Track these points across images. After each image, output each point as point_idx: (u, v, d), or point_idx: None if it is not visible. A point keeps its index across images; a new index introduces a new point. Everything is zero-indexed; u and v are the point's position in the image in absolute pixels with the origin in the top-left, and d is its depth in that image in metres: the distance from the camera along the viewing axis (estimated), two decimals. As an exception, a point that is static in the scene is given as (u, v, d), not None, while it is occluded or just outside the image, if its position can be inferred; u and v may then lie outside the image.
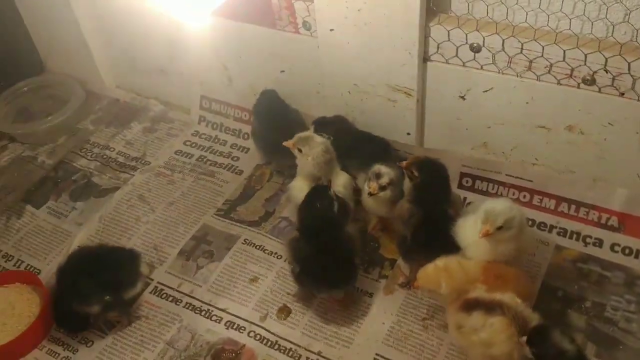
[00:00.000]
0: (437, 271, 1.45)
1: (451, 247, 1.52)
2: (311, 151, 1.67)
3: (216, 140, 2.24)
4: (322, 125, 1.85)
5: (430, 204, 1.58)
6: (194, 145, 2.23)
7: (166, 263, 1.83)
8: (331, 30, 1.74)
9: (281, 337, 1.62)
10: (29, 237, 1.96)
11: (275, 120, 1.94)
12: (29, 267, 1.87)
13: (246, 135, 2.19)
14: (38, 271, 1.85)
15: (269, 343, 1.61)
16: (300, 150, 1.69)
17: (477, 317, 1.35)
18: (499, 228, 1.43)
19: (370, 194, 1.65)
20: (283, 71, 2.00)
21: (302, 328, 1.63)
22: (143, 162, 2.19)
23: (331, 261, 1.54)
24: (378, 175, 1.65)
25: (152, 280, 1.78)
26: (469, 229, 1.51)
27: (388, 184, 1.65)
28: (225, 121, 2.26)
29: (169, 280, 1.79)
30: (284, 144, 1.70)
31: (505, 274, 1.46)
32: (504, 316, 1.32)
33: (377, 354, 1.55)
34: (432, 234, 1.57)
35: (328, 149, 1.69)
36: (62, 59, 2.49)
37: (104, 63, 2.41)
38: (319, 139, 1.70)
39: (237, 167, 2.12)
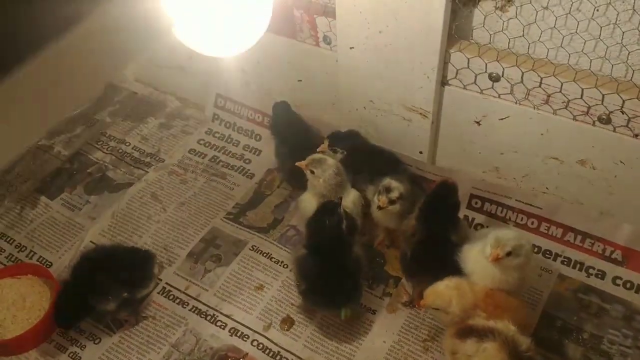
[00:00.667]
0: (448, 289, 1.47)
1: (449, 271, 1.54)
2: (323, 174, 1.70)
3: (229, 140, 2.26)
4: (337, 139, 1.86)
5: (434, 226, 1.60)
6: (207, 144, 2.25)
7: (175, 264, 1.87)
8: (351, 48, 1.75)
9: (283, 348, 1.66)
10: (42, 228, 2.00)
11: (301, 145, 1.93)
12: (41, 259, 1.91)
13: (258, 137, 2.21)
14: (50, 264, 1.89)
15: (272, 353, 1.65)
16: (312, 172, 1.71)
17: (470, 344, 1.38)
18: (508, 254, 1.45)
19: (380, 208, 1.68)
20: (300, 80, 2.01)
21: (304, 340, 1.67)
22: (157, 158, 2.22)
23: (337, 281, 1.56)
24: (388, 189, 1.67)
25: (161, 280, 1.82)
26: (476, 255, 1.53)
27: (398, 197, 1.67)
28: (238, 121, 2.28)
29: (177, 281, 1.82)
30: (297, 164, 1.72)
31: (506, 303, 1.49)
32: (494, 342, 1.36)
33: (375, 373, 1.59)
34: (430, 255, 1.60)
35: (339, 171, 1.71)
36: (82, 49, 2.50)
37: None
38: (331, 161, 1.72)
39: (248, 170, 2.15)
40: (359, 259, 1.63)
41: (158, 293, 1.80)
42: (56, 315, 1.64)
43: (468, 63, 1.63)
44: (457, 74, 1.67)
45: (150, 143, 2.29)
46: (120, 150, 2.26)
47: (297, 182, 1.98)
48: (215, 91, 2.29)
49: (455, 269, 1.54)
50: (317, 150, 1.82)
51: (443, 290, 1.48)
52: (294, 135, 1.99)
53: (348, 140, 1.87)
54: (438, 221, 1.59)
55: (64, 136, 2.31)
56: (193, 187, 2.10)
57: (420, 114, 1.78)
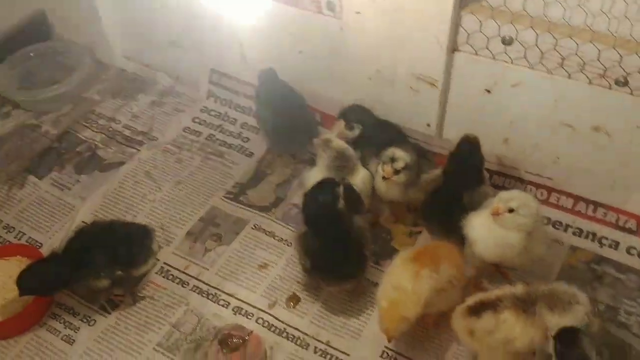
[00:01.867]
0: (390, 311, 1.38)
1: (449, 225, 1.55)
2: (324, 154, 1.67)
3: (226, 118, 2.18)
4: (349, 116, 1.80)
5: (454, 180, 1.59)
6: (202, 122, 2.17)
7: (173, 244, 1.79)
8: (357, 13, 1.69)
9: (289, 325, 1.59)
10: (31, 208, 1.90)
11: (291, 113, 1.92)
12: (31, 239, 1.82)
13: (254, 114, 2.13)
14: (39, 244, 1.80)
15: (277, 331, 1.58)
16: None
17: (487, 319, 1.33)
18: (511, 211, 1.41)
19: (384, 178, 1.62)
20: (301, 52, 1.94)
21: (311, 317, 1.61)
22: (150, 137, 2.14)
23: (340, 255, 1.51)
24: (393, 159, 1.62)
25: (159, 260, 1.74)
26: (481, 221, 1.49)
27: (403, 167, 1.61)
28: (235, 98, 2.20)
29: (175, 261, 1.74)
30: (314, 141, 1.70)
31: (437, 252, 1.46)
32: (511, 308, 1.31)
33: (386, 347, 1.53)
34: (439, 206, 1.61)
35: (342, 156, 1.66)
36: (70, 26, 2.40)
37: (113, 32, 2.32)
38: (336, 144, 1.67)
39: (247, 148, 2.07)
40: (361, 231, 1.57)
41: (156, 273, 1.71)
42: (24, 280, 1.52)
43: (480, 26, 1.57)
44: (468, 38, 1.61)
45: (141, 121, 2.20)
46: (110, 129, 2.17)
47: (281, 148, 1.97)
48: (210, 67, 2.20)
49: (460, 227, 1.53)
50: (334, 132, 1.78)
51: (388, 318, 1.38)
52: (280, 101, 1.93)
53: (355, 115, 1.80)
54: (459, 176, 1.58)
55: (52, 115, 2.21)
56: (189, 166, 2.02)
57: (429, 83, 1.72)
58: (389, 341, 1.41)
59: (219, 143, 2.10)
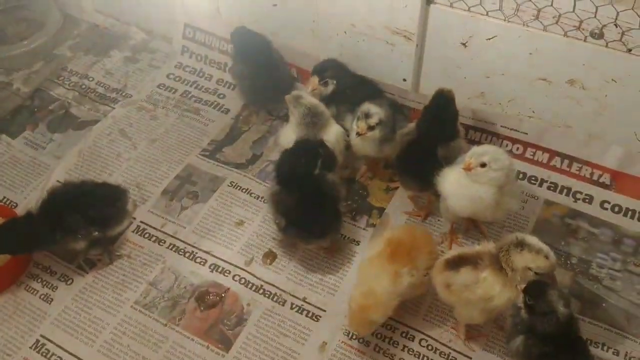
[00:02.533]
0: (360, 316, 1.36)
1: (422, 178, 1.56)
2: (295, 111, 1.64)
3: (201, 75, 2.14)
4: (322, 71, 1.76)
5: (428, 132, 1.58)
6: (177, 79, 2.13)
7: (149, 202, 1.78)
8: (331, -36, 1.64)
9: (266, 282, 1.60)
10: (4, 168, 1.88)
11: (263, 65, 1.87)
12: (5, 199, 1.80)
13: (230, 69, 2.09)
14: (15, 204, 1.78)
15: (254, 287, 1.59)
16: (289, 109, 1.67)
17: (465, 273, 1.34)
18: (483, 165, 1.41)
19: (359, 134, 1.61)
20: (275, 5, 1.90)
21: (287, 274, 1.62)
22: (124, 94, 2.10)
23: (315, 212, 1.51)
24: (367, 115, 1.61)
25: (135, 219, 1.73)
26: (455, 176, 1.49)
27: (377, 123, 1.61)
28: (210, 53, 2.15)
29: (152, 219, 1.74)
30: (285, 97, 1.66)
31: (412, 243, 1.43)
32: (491, 267, 1.32)
33: (361, 303, 1.55)
34: (413, 158, 1.60)
35: (313, 112, 1.64)
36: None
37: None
38: (306, 100, 1.64)
39: (223, 105, 2.04)
40: (334, 186, 1.56)
41: (132, 232, 1.71)
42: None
43: (455, -23, 1.54)
44: (443, -11, 1.58)
45: (115, 78, 2.15)
46: (83, 86, 2.12)
47: (258, 104, 1.96)
48: (184, 21, 2.15)
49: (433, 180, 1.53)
50: (308, 89, 1.74)
51: (360, 317, 1.36)
52: (261, 60, 1.88)
53: (330, 71, 1.77)
54: (432, 129, 1.57)
55: (23, 72, 2.16)
56: (164, 124, 1.99)
57: (405, 36, 1.69)
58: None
59: (194, 100, 2.07)
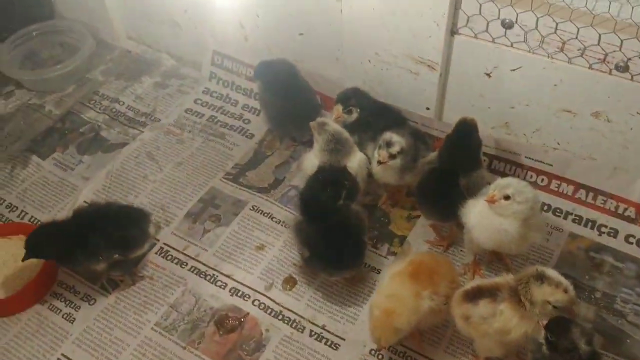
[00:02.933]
0: (383, 321, 1.35)
1: (443, 208, 1.57)
2: (319, 137, 1.66)
3: (227, 100, 2.18)
4: (347, 100, 1.77)
5: (450, 162, 1.58)
6: (204, 104, 2.18)
7: (173, 224, 1.80)
8: (356, -5, 1.67)
9: (285, 308, 1.60)
10: (34, 188, 1.93)
11: (290, 93, 1.90)
12: (33, 219, 1.84)
13: (258, 96, 2.13)
14: (42, 224, 1.83)
15: (273, 313, 1.60)
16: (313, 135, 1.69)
17: (484, 306, 1.32)
18: (507, 198, 1.40)
19: (380, 162, 1.62)
20: (302, 34, 1.93)
21: (307, 300, 1.62)
22: (153, 118, 2.14)
23: (339, 244, 1.50)
24: (389, 144, 1.61)
25: (158, 240, 1.76)
26: (478, 210, 1.48)
27: (398, 152, 1.61)
28: (236, 79, 2.19)
29: (175, 242, 1.76)
30: (310, 124, 1.68)
31: (434, 268, 1.42)
32: (509, 300, 1.31)
33: (380, 333, 1.54)
34: (434, 187, 1.60)
35: (337, 139, 1.65)
36: (73, 5, 2.40)
37: (117, 11, 2.33)
38: (330, 127, 1.66)
39: (248, 130, 2.08)
40: (359, 216, 1.57)
41: (155, 253, 1.73)
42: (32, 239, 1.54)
43: (480, 9, 1.55)
44: (468, 21, 1.59)
45: (145, 102, 2.20)
46: (113, 110, 2.18)
47: (283, 130, 1.98)
48: (212, 48, 2.20)
49: (455, 211, 1.52)
50: (332, 116, 1.76)
51: (383, 324, 1.35)
52: (284, 84, 1.90)
53: (354, 99, 1.78)
54: (454, 158, 1.57)
55: (55, 95, 2.23)
56: (190, 147, 2.03)
57: (428, 66, 1.71)
58: (379, 350, 1.39)
59: (220, 124, 2.10)
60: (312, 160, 1.68)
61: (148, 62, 2.35)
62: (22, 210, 1.86)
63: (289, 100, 1.89)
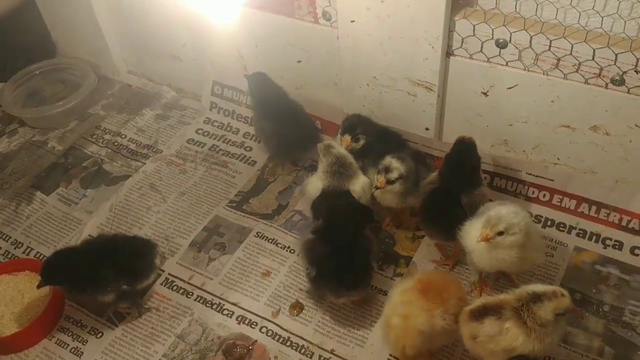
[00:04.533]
0: (405, 325, 1.36)
1: (446, 228, 1.55)
2: (324, 159, 1.68)
3: (228, 129, 2.20)
4: (352, 129, 1.79)
5: (450, 181, 1.59)
6: (206, 133, 2.20)
7: (177, 254, 1.81)
8: (352, 21, 1.70)
9: (293, 334, 1.60)
10: (39, 224, 1.93)
11: (286, 119, 1.92)
12: (39, 254, 1.84)
13: (253, 123, 2.14)
14: (48, 259, 1.83)
15: (281, 339, 1.59)
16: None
17: (490, 324, 1.32)
18: (500, 233, 1.40)
19: (377, 188, 1.64)
20: (300, 61, 1.96)
21: (314, 325, 1.61)
22: (155, 150, 2.16)
23: (348, 264, 1.51)
24: (387, 170, 1.63)
25: (163, 271, 1.76)
26: (474, 233, 1.48)
27: (397, 178, 1.62)
28: (237, 108, 2.22)
29: (180, 272, 1.76)
30: (318, 145, 1.70)
31: (444, 286, 1.42)
32: (513, 318, 1.30)
33: (390, 355, 1.53)
34: (436, 208, 1.61)
35: (341, 163, 1.67)
36: (74, 42, 2.45)
37: (117, 46, 2.37)
38: (336, 150, 1.68)
39: (249, 157, 2.09)
40: (369, 239, 1.58)
41: (161, 284, 1.73)
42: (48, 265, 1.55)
43: (474, 30, 1.58)
44: (462, 42, 1.62)
45: (146, 134, 2.23)
46: (115, 143, 2.20)
47: (282, 156, 2.00)
48: (212, 79, 2.23)
49: (458, 228, 1.53)
50: (343, 147, 1.76)
51: (407, 326, 1.36)
52: (289, 116, 1.93)
53: (360, 127, 1.80)
54: (455, 177, 1.58)
55: (58, 131, 2.25)
56: (193, 177, 2.04)
57: (426, 87, 1.73)
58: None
59: (222, 153, 2.12)
60: (315, 184, 1.69)
61: (149, 95, 2.38)
62: (28, 247, 1.87)
63: (285, 126, 1.90)
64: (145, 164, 2.10)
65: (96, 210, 1.95)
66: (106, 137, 2.22)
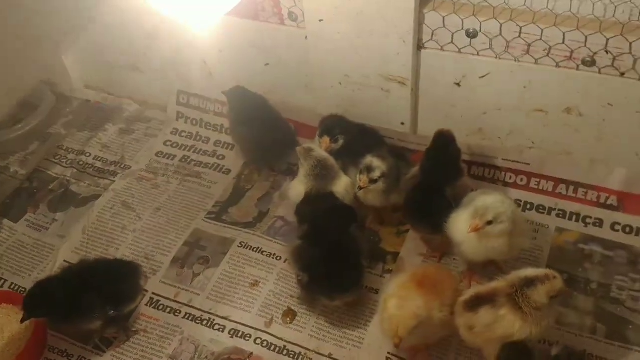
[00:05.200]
0: (401, 306, 1.35)
1: (439, 222, 1.55)
2: (305, 163, 1.66)
3: (198, 138, 2.15)
4: (331, 131, 1.78)
5: (432, 175, 1.60)
6: (175, 145, 2.14)
7: (160, 272, 1.75)
8: (320, 20, 1.68)
9: (289, 342, 1.57)
10: (10, 253, 1.85)
11: (265, 124, 1.90)
12: (13, 285, 1.76)
13: (229, 131, 2.10)
14: (23, 290, 1.74)
15: (277, 349, 1.56)
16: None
17: (485, 313, 1.33)
18: (489, 223, 1.42)
19: (360, 188, 1.64)
20: (268, 64, 1.93)
21: (309, 331, 1.59)
22: (123, 166, 2.10)
23: (339, 266, 1.50)
24: (369, 169, 1.63)
25: (147, 291, 1.70)
26: (462, 225, 1.49)
27: (380, 176, 1.63)
28: (205, 117, 2.17)
29: (164, 290, 1.71)
30: (297, 149, 1.69)
31: (439, 279, 1.43)
32: (508, 304, 1.31)
33: (389, 353, 1.52)
34: (421, 202, 1.61)
35: (322, 165, 1.66)
36: (28, 61, 2.34)
37: (73, 62, 2.28)
38: (317, 153, 1.67)
39: (223, 166, 2.05)
40: (357, 240, 1.57)
41: (146, 305, 1.68)
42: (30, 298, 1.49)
43: (444, 22, 1.58)
44: (433, 35, 1.62)
45: (112, 151, 2.15)
46: (80, 162, 2.12)
47: (261, 161, 1.98)
48: (177, 88, 2.17)
49: (444, 222, 1.54)
50: (322, 148, 1.76)
51: (403, 308, 1.35)
52: (266, 121, 1.91)
53: (338, 128, 1.79)
54: (437, 170, 1.59)
55: (19, 155, 2.16)
56: (167, 191, 1.99)
57: (399, 82, 1.73)
58: (397, 346, 1.35)
59: (194, 164, 2.07)
60: (297, 188, 1.68)
61: (110, 110, 2.30)
62: (1, 278, 1.78)
63: (264, 131, 1.88)
64: (114, 181, 2.04)
65: (68, 234, 1.87)
66: (70, 157, 2.14)
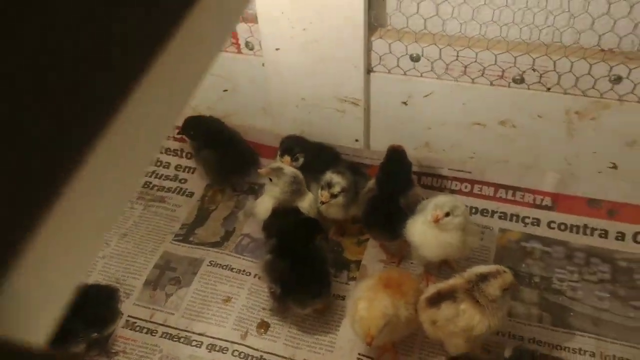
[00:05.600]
0: (371, 307, 1.46)
1: (396, 231, 1.69)
2: (279, 181, 1.76)
3: (158, 164, 2.22)
4: (290, 150, 1.90)
5: (387, 187, 1.74)
6: (136, 171, 2.20)
7: (133, 295, 1.81)
8: (277, 49, 1.80)
9: (265, 352, 1.66)
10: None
11: (229, 149, 2.01)
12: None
13: (189, 155, 2.19)
14: None
15: (254, 359, 1.65)
16: (270, 180, 1.78)
17: (446, 308, 1.47)
18: (447, 214, 1.58)
19: (322, 203, 1.76)
20: (226, 90, 2.03)
21: (283, 340, 1.69)
22: (86, 195, 2.13)
23: (309, 275, 1.61)
24: (329, 185, 1.76)
25: (122, 314, 1.76)
26: (421, 227, 1.64)
27: (340, 191, 1.75)
28: (164, 142, 2.24)
29: (139, 312, 1.77)
30: (259, 171, 1.79)
31: (402, 281, 1.57)
32: (467, 299, 1.46)
33: (359, 354, 1.64)
34: (378, 213, 1.74)
35: (296, 180, 1.77)
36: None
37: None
38: (288, 170, 1.78)
39: (186, 189, 2.13)
40: (322, 250, 1.69)
41: (122, 327, 1.73)
42: None
43: (389, 48, 1.73)
44: (380, 59, 1.77)
45: (75, 181, 2.19)
46: (44, 194, 2.14)
47: (224, 182, 2.07)
48: (135, 117, 2.23)
49: (401, 229, 1.68)
50: (281, 166, 1.85)
51: (372, 308, 1.46)
52: (227, 143, 2.01)
53: (297, 147, 1.91)
54: (391, 182, 1.74)
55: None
56: (132, 216, 2.04)
57: (352, 103, 1.87)
58: (370, 344, 1.46)
59: (157, 189, 2.14)
60: (265, 205, 1.78)
61: (68, 141, 2.33)
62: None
63: (226, 153, 1.98)
64: (78, 210, 2.07)
65: (37, 265, 1.90)
66: (31, 189, 2.16)
